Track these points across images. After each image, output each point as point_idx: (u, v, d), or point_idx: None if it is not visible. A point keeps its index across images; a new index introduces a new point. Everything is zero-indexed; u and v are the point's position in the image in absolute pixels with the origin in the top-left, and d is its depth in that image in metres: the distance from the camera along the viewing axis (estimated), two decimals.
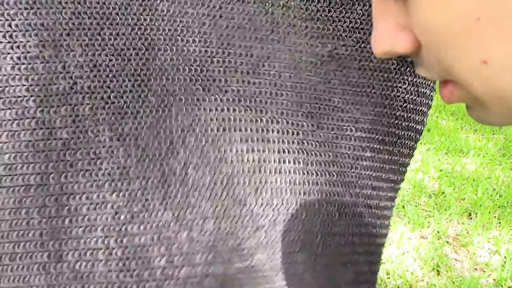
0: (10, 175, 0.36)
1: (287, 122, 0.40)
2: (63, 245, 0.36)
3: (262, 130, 0.39)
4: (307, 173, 0.41)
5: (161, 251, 0.37)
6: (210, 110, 0.38)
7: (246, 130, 0.38)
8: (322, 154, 0.42)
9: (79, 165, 0.36)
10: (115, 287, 0.37)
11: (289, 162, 0.40)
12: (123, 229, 0.36)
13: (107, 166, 0.36)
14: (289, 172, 0.40)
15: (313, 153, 0.41)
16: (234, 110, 0.38)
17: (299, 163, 0.40)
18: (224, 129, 0.38)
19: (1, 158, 0.35)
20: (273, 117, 0.39)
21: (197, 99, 0.38)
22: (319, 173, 0.42)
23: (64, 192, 0.36)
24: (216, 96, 0.38)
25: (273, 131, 0.39)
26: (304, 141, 0.41)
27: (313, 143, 0.41)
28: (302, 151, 0.41)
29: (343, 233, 0.44)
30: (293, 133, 0.40)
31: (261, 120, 0.39)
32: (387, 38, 0.31)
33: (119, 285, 0.37)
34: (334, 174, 0.42)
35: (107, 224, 0.36)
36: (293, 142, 0.40)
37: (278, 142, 0.40)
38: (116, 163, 0.36)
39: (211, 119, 0.38)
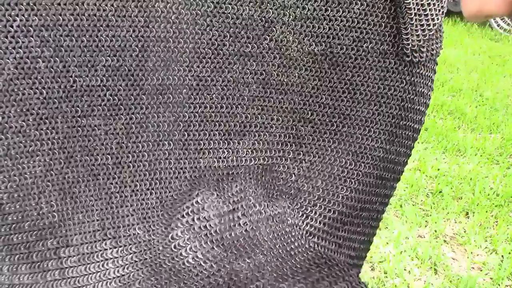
0: (18, 168, 0.38)
1: (266, 118, 0.43)
2: (68, 230, 0.40)
3: (239, 126, 0.43)
4: (278, 165, 0.45)
5: (146, 228, 0.42)
6: (194, 107, 0.42)
7: (224, 125, 0.43)
8: (300, 145, 0.45)
9: (78, 156, 0.39)
10: (109, 263, 0.41)
11: (264, 152, 0.45)
12: (115, 211, 0.41)
13: (102, 157, 0.40)
14: (262, 160, 0.44)
15: (288, 144, 0.45)
16: (216, 107, 0.42)
17: (270, 151, 0.45)
18: (205, 125, 0.42)
19: (9, 153, 0.38)
20: (252, 114, 0.43)
21: (183, 98, 0.41)
22: (291, 166, 0.45)
23: (66, 181, 0.39)
24: (202, 95, 0.42)
25: (250, 125, 0.43)
26: (282, 135, 0.44)
27: (292, 136, 0.44)
28: (277, 143, 0.44)
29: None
30: (271, 126, 0.44)
31: (240, 116, 0.43)
32: None
33: (113, 260, 0.42)
34: (308, 162, 0.46)
35: (102, 208, 0.40)
36: (269, 135, 0.44)
37: (254, 136, 0.44)
38: (110, 154, 0.40)
39: (194, 116, 0.42)
